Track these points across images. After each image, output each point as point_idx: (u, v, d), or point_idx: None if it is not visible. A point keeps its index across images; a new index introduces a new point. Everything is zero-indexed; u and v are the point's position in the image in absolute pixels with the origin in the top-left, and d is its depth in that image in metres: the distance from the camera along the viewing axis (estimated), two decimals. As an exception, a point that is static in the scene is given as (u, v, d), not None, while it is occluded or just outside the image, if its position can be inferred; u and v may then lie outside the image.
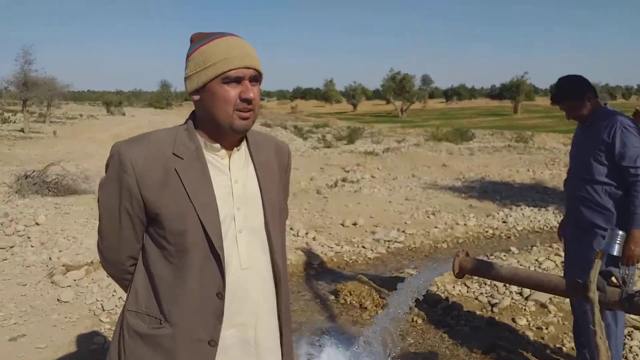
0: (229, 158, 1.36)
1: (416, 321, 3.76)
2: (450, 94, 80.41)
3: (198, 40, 1.31)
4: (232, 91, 1.25)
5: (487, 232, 6.38)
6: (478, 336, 3.52)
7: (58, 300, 3.76)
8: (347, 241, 5.75)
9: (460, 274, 2.66)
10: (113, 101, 35.42)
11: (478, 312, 3.90)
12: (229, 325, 1.30)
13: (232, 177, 1.34)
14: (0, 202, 6.78)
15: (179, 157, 1.28)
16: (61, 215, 6.02)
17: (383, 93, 49.36)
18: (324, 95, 74.74)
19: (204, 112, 1.31)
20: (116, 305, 3.76)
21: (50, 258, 4.61)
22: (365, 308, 3.93)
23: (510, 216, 6.98)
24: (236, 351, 1.32)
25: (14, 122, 22.38)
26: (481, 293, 4.22)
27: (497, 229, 6.49)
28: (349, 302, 4.07)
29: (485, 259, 5.28)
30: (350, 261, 5.28)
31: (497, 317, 3.80)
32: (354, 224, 6.31)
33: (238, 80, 1.26)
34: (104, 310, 3.72)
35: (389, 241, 5.74)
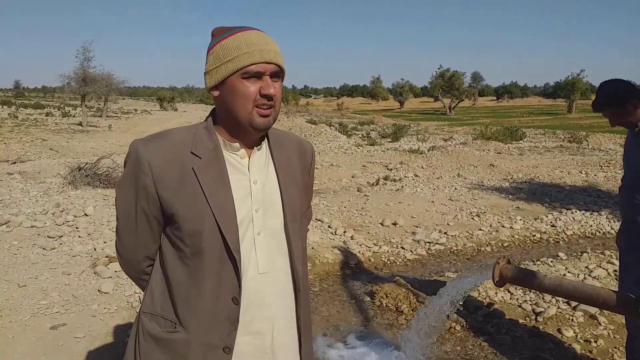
0: (249, 158, 1.31)
1: (454, 328, 3.62)
2: (501, 92, 77.97)
3: (219, 34, 1.27)
4: (252, 87, 1.21)
5: (534, 235, 6.09)
6: (519, 347, 3.35)
7: (99, 290, 3.87)
8: (385, 241, 5.64)
9: (500, 282, 2.52)
10: (166, 97, 36.50)
11: (521, 321, 3.72)
12: (244, 332, 1.26)
13: (251, 178, 1.29)
14: (55, 193, 7.09)
15: (197, 156, 1.25)
16: (108, 206, 6.22)
17: (431, 90, 48.43)
18: (371, 92, 74.01)
19: (223, 109, 1.28)
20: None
21: (94, 249, 4.76)
22: (402, 312, 3.82)
23: (560, 220, 6.65)
24: (252, 359, 1.28)
25: (74, 116, 23.49)
26: (525, 300, 4.02)
27: (545, 232, 6.19)
28: (384, 305, 3.97)
29: (531, 264, 5.05)
30: (389, 262, 5.17)
31: (541, 327, 3.61)
32: (394, 224, 6.18)
33: (258, 75, 1.21)
34: (141, 302, 3.79)
35: (429, 242, 5.58)
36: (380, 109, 52.35)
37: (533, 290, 4.24)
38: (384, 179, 9.18)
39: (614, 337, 3.47)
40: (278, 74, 1.25)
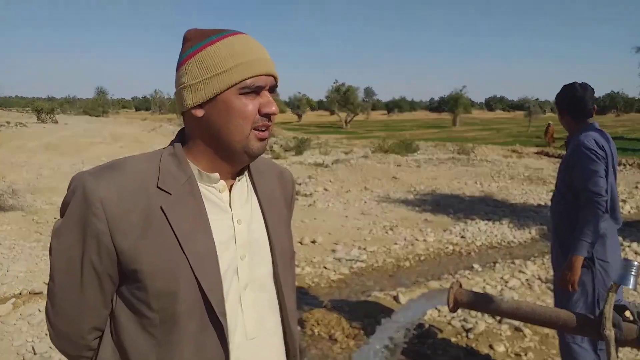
0: (229, 191, 1.03)
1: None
2: (391, 107, 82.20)
3: (200, 38, 0.98)
4: (251, 104, 0.96)
5: (447, 248, 6.26)
6: (458, 368, 3.29)
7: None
8: (307, 261, 5.42)
9: (455, 307, 2.42)
10: (44, 108, 33.20)
11: (454, 340, 3.69)
12: None
13: (234, 216, 1.01)
14: None
15: (165, 191, 0.95)
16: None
17: (327, 104, 49.63)
18: (289, 105, 74.41)
19: (208, 132, 0.99)
20: (50, 347, 3.23)
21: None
22: (336, 340, 3.61)
23: (467, 231, 6.93)
24: None
25: None
26: (453, 317, 4.02)
27: (456, 244, 6.39)
28: (316, 333, 3.73)
29: (450, 277, 5.14)
30: (313, 284, 4.95)
31: (474, 345, 3.60)
32: (313, 242, 6.00)
33: (258, 90, 0.97)
34: (35, 353, 3.18)
35: (350, 260, 5.47)
36: (278, 122, 52.51)
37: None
38: (295, 194, 9.01)
39: (541, 348, 3.56)
40: (275, 87, 1.02)
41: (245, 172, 1.08)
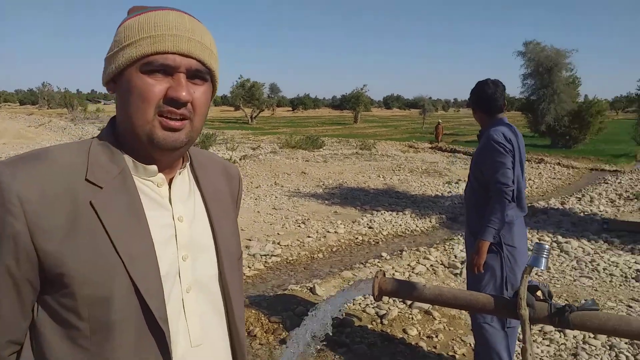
0: (169, 185, 0.93)
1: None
2: (296, 103, 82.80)
3: (132, 12, 0.90)
4: (157, 85, 0.84)
5: (357, 238, 6.43)
6: (376, 354, 3.38)
7: None
8: (219, 258, 5.27)
9: (379, 296, 2.47)
10: None
11: (370, 327, 3.78)
12: None
13: (175, 213, 0.92)
14: None
15: (95, 185, 0.84)
16: None
17: (232, 100, 48.67)
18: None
19: (119, 114, 0.89)
20: None
21: None
22: (255, 336, 3.53)
23: (374, 221, 7.17)
24: None
25: None
26: (367, 305, 4.13)
27: (365, 235, 6.58)
28: (234, 330, 3.63)
29: (362, 266, 5.28)
30: (227, 281, 4.83)
31: (389, 330, 3.72)
32: (224, 238, 5.85)
33: (167, 70, 0.85)
34: None
35: (265, 255, 5.41)
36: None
37: (372, 293, 4.40)
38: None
39: (449, 329, 3.78)
40: (201, 74, 0.88)
41: (187, 166, 0.99)
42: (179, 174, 0.95)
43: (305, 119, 56.11)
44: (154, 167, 0.90)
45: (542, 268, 2.08)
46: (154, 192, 0.91)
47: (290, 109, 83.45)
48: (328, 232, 6.49)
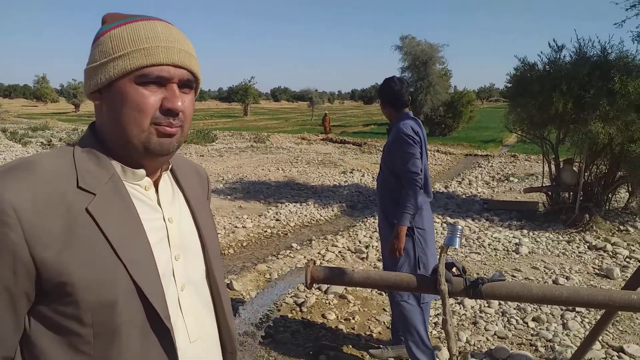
0: (156, 188, 0.97)
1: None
2: (179, 95, 79.76)
3: (111, 20, 0.90)
4: (152, 97, 0.88)
5: (265, 231, 6.50)
6: (300, 341, 3.52)
7: None
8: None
9: (311, 284, 2.59)
10: None
11: (290, 315, 3.91)
12: None
13: (165, 215, 0.96)
14: None
15: (88, 192, 0.85)
16: None
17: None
18: (35, 93, 64.47)
19: (109, 124, 0.90)
20: None
21: None
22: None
23: (280, 213, 7.30)
24: None
25: None
26: (285, 294, 4.25)
27: (274, 227, 6.68)
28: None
29: (274, 258, 5.38)
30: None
31: (309, 317, 3.88)
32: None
33: (161, 82, 0.88)
34: None
35: (174, 255, 5.26)
36: (51, 112, 46.03)
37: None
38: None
39: (364, 310, 4.04)
40: (190, 83, 0.92)
41: (168, 168, 1.02)
42: (162, 177, 0.99)
43: (192, 112, 54.35)
44: (142, 172, 0.93)
45: (457, 246, 2.35)
46: (143, 196, 0.94)
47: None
48: (236, 227, 6.48)
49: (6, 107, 49.52)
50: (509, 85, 7.45)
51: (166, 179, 1.01)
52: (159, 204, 0.96)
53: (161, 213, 0.95)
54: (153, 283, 0.87)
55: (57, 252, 0.79)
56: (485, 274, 4.75)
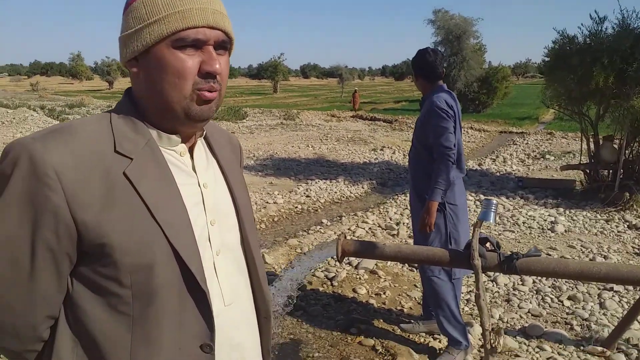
0: (191, 154, 0.98)
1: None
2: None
3: None
4: (190, 60, 0.86)
5: (296, 207, 6.55)
6: (331, 313, 3.56)
7: None
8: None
9: (342, 257, 2.61)
10: None
11: (321, 289, 3.96)
12: None
13: (200, 180, 0.96)
14: None
15: (125, 156, 0.86)
16: None
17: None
18: (71, 71, 65.94)
19: (147, 90, 0.90)
20: None
21: None
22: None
23: (310, 190, 7.33)
24: None
25: None
26: (316, 269, 4.30)
27: (304, 203, 6.72)
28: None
29: (305, 233, 5.43)
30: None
31: (340, 291, 3.92)
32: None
33: (197, 44, 0.87)
34: None
35: (207, 229, 5.38)
36: (86, 90, 47.07)
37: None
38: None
39: (394, 286, 4.05)
40: (225, 44, 0.91)
41: (202, 135, 1.02)
42: (197, 143, 0.99)
43: (222, 89, 54.68)
44: (177, 137, 0.94)
45: (492, 221, 2.31)
46: (178, 161, 0.94)
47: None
48: (267, 203, 6.55)
49: (44, 85, 51.06)
50: (546, 59, 7.19)
51: (200, 146, 1.01)
52: (193, 169, 0.96)
53: (196, 178, 0.95)
54: (190, 246, 0.88)
55: (96, 213, 0.81)
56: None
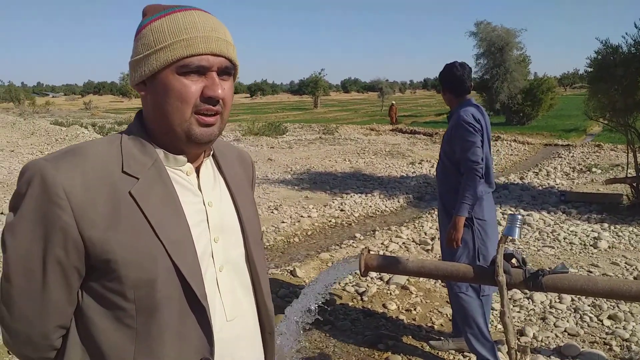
0: (197, 174, 1.02)
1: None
2: (254, 89, 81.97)
3: (152, 13, 0.95)
4: (193, 86, 0.92)
5: (330, 221, 6.57)
6: (359, 329, 3.54)
7: None
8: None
9: (365, 272, 2.60)
10: None
11: (351, 304, 3.95)
12: None
13: (205, 199, 1.01)
14: None
15: (132, 176, 0.91)
16: None
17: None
18: (121, 89, 69.05)
19: (153, 113, 0.96)
20: None
21: None
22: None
23: (345, 204, 7.33)
24: None
25: None
26: (347, 283, 4.29)
27: (338, 217, 6.73)
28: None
29: (338, 247, 5.43)
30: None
31: (369, 306, 3.90)
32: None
33: (201, 71, 0.92)
34: None
35: (241, 242, 5.47)
36: (135, 107, 49.14)
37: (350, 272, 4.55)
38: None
39: (426, 302, 3.98)
40: (229, 70, 0.96)
41: (210, 154, 1.06)
42: (204, 163, 1.04)
43: (264, 105, 55.69)
44: (184, 158, 0.98)
45: (516, 237, 2.25)
46: (184, 181, 0.99)
47: (248, 95, 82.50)
48: (302, 216, 6.60)
49: (96, 103, 53.48)
50: (589, 69, 6.96)
51: (208, 165, 1.05)
52: (199, 188, 1.00)
53: (201, 197, 1.00)
54: (191, 263, 0.92)
55: (103, 231, 0.86)
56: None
